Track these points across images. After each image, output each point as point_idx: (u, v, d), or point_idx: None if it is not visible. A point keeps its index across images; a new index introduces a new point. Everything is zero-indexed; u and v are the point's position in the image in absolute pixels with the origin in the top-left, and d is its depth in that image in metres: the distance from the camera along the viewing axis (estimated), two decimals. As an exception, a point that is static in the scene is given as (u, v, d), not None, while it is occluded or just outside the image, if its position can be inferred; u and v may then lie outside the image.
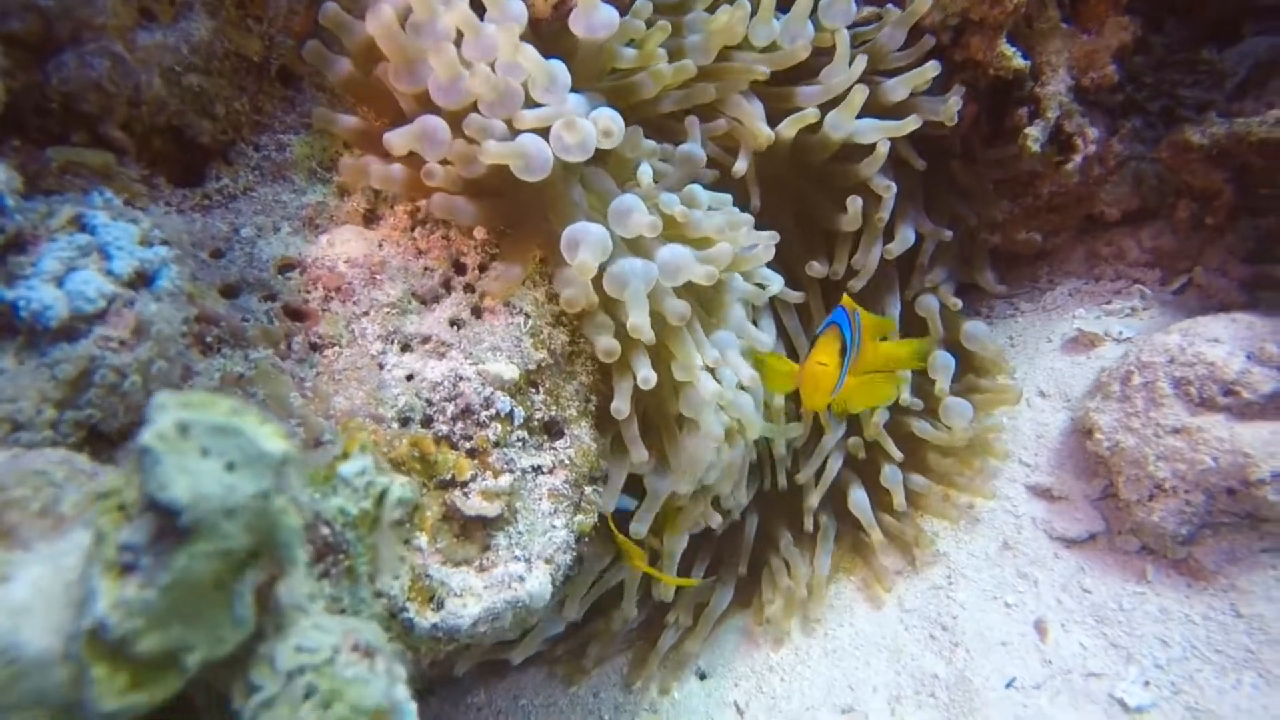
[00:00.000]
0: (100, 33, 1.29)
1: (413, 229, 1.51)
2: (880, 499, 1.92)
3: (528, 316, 1.48)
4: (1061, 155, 2.14)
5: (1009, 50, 2.00)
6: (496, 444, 1.39)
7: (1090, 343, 2.14)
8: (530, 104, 1.41)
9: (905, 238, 1.94)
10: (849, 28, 1.79)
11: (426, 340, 1.41)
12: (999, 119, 2.22)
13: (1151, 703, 1.53)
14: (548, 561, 1.38)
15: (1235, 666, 1.54)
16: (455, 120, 1.37)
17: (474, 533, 1.35)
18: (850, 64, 1.75)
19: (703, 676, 1.86)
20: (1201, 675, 1.55)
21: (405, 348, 1.40)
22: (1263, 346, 1.71)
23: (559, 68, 1.40)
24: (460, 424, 1.37)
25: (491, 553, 1.34)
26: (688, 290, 1.51)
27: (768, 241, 1.63)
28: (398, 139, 1.35)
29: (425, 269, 1.48)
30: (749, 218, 1.62)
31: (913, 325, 2.04)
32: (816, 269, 1.91)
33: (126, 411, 1.03)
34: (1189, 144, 2.12)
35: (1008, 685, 1.62)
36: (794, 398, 1.86)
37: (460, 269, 1.50)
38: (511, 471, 1.39)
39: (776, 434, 1.81)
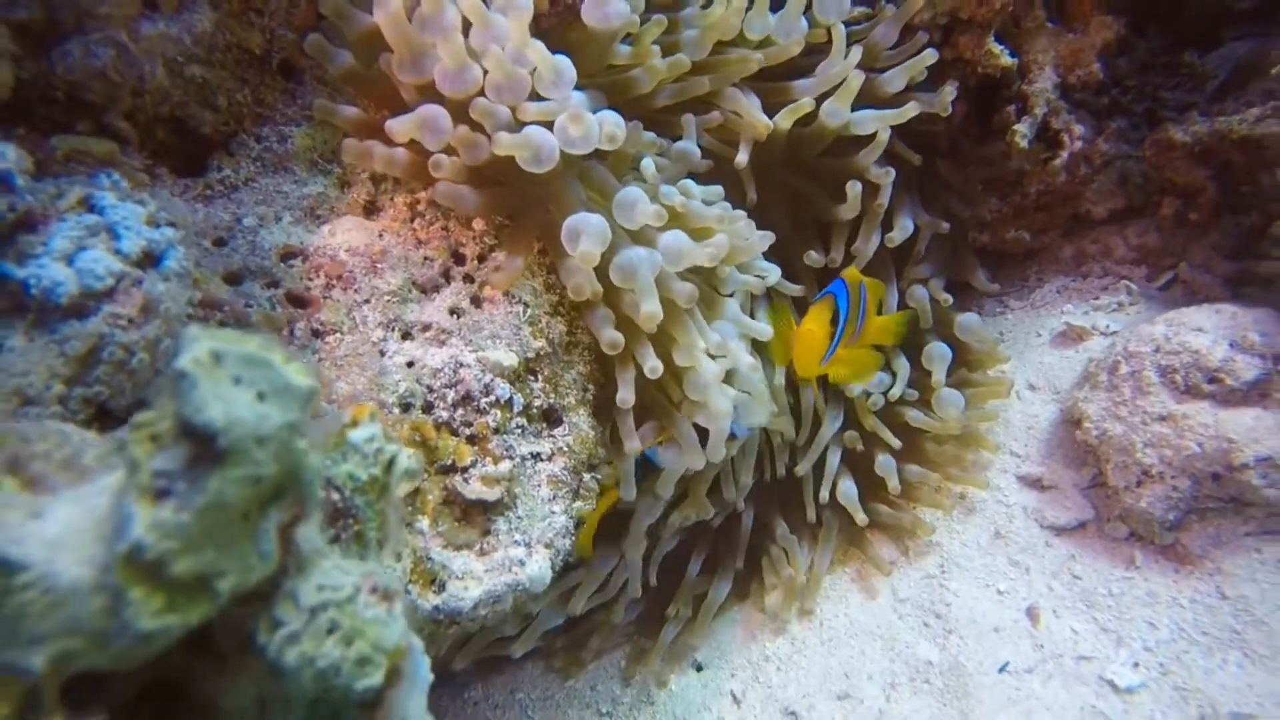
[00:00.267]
0: (104, 22, 1.30)
1: (412, 220, 1.53)
2: (876, 490, 1.95)
3: (526, 306, 1.50)
4: (1049, 151, 2.18)
5: (997, 48, 2.05)
6: (496, 430, 1.41)
7: (1078, 336, 2.17)
8: (534, 98, 1.44)
9: (905, 226, 1.97)
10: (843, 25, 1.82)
11: (427, 328, 1.43)
12: (987, 118, 2.26)
13: (1141, 683, 1.56)
14: (547, 546, 1.39)
15: (1221, 646, 1.57)
16: (457, 110, 1.39)
17: (474, 517, 1.36)
18: (846, 56, 1.79)
19: (699, 668, 1.87)
20: (1189, 656, 1.57)
21: (406, 335, 1.42)
22: (1245, 335, 1.75)
23: (565, 63, 1.43)
24: (460, 410, 1.38)
25: (492, 537, 1.36)
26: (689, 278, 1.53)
27: (764, 237, 1.66)
28: (400, 125, 1.37)
29: (425, 259, 1.49)
30: (743, 213, 1.65)
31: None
32: (814, 258, 1.94)
33: (134, 389, 1.04)
34: (1172, 141, 2.16)
35: (1001, 670, 1.65)
36: (791, 392, 1.89)
37: (459, 259, 1.52)
38: (511, 458, 1.41)
39: (781, 422, 1.84)
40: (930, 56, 1.87)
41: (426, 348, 1.41)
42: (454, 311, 1.46)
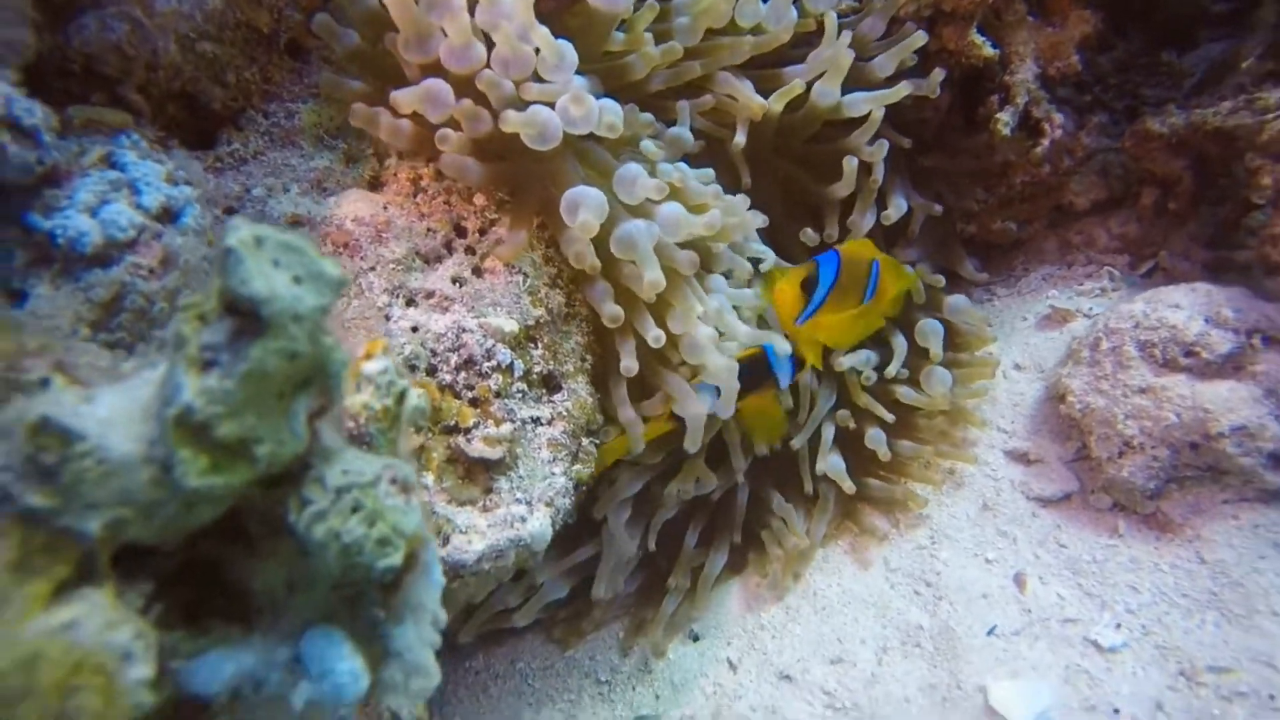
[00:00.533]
0: (120, -3, 1.35)
1: (415, 194, 1.58)
2: (869, 466, 1.99)
3: (526, 276, 1.55)
4: (1031, 140, 2.25)
5: (979, 40, 2.12)
6: (498, 394, 1.45)
7: (1063, 319, 2.23)
8: (536, 80, 1.49)
9: (899, 204, 2.02)
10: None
11: (430, 295, 1.47)
12: (972, 111, 2.33)
13: (1123, 643, 1.60)
14: (548, 504, 1.43)
15: (1199, 608, 1.62)
16: (460, 85, 1.44)
17: (477, 475, 1.40)
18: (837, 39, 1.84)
19: (696, 639, 1.91)
20: (1169, 617, 1.62)
21: (410, 302, 1.47)
22: (1219, 311, 1.81)
23: (567, 47, 1.48)
24: (463, 374, 1.43)
25: (494, 494, 1.40)
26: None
27: (755, 216, 1.71)
28: (404, 97, 1.42)
29: (428, 230, 1.54)
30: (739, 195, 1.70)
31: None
32: (810, 235, 1.99)
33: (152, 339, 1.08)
34: (1150, 132, 2.24)
35: (989, 633, 1.69)
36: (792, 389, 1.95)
37: (461, 232, 1.57)
38: (512, 421, 1.45)
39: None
40: (920, 38, 1.92)
41: (430, 313, 1.46)
42: (456, 280, 1.50)
